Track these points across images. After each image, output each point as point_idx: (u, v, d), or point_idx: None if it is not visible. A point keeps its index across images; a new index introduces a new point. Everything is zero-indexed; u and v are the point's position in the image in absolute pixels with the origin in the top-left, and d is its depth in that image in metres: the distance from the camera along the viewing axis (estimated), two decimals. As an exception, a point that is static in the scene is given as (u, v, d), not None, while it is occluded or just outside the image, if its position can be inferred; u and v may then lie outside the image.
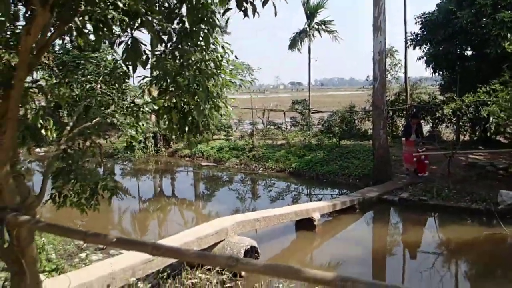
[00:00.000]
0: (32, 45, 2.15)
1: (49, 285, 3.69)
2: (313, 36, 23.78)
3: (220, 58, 2.83)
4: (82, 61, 4.13)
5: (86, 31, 2.27)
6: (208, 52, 2.71)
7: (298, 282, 6.65)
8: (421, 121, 15.75)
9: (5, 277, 4.86)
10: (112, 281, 5.12)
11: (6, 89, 2.47)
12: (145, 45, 2.83)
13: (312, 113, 22.76)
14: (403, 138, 13.17)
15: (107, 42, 3.45)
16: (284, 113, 23.39)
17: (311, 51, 23.63)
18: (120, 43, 2.97)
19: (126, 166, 19.07)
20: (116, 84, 3.78)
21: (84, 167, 3.63)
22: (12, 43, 2.13)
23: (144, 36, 2.88)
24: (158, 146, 20.70)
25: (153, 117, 4.34)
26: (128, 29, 2.79)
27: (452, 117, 17.08)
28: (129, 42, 2.73)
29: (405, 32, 18.03)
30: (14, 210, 2.80)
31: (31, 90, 2.89)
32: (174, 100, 3.56)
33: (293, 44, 24.25)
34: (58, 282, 4.61)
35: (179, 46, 2.71)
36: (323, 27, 23.81)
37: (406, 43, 17.83)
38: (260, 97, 28.81)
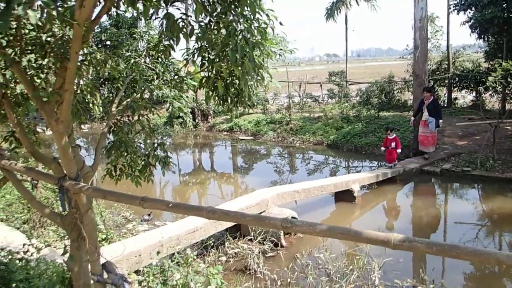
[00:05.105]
0: (86, 18, 2.22)
1: (105, 251, 3.89)
2: (350, 4, 23.17)
3: (265, 26, 2.82)
4: (125, 37, 4.22)
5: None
6: (254, 20, 2.70)
7: (338, 251, 6.73)
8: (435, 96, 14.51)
9: (65, 243, 5.14)
10: (161, 249, 5.34)
11: (63, 62, 2.57)
12: (190, 16, 2.85)
13: (350, 84, 22.39)
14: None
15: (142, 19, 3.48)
16: (321, 85, 23.14)
17: (348, 20, 23.10)
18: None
19: (166, 141, 19.49)
20: (162, 57, 3.83)
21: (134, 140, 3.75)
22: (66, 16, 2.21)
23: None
24: (196, 121, 21.02)
25: (191, 93, 4.38)
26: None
27: (497, 85, 16.35)
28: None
29: (448, -3, 17.23)
30: (72, 179, 2.95)
31: (85, 63, 2.99)
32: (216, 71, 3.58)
33: (330, 13, 23.69)
34: (113, 248, 4.86)
35: (224, 16, 2.71)
36: (361, -6, 23.14)
37: (449, 8, 17.02)
38: (295, 70, 28.52)
